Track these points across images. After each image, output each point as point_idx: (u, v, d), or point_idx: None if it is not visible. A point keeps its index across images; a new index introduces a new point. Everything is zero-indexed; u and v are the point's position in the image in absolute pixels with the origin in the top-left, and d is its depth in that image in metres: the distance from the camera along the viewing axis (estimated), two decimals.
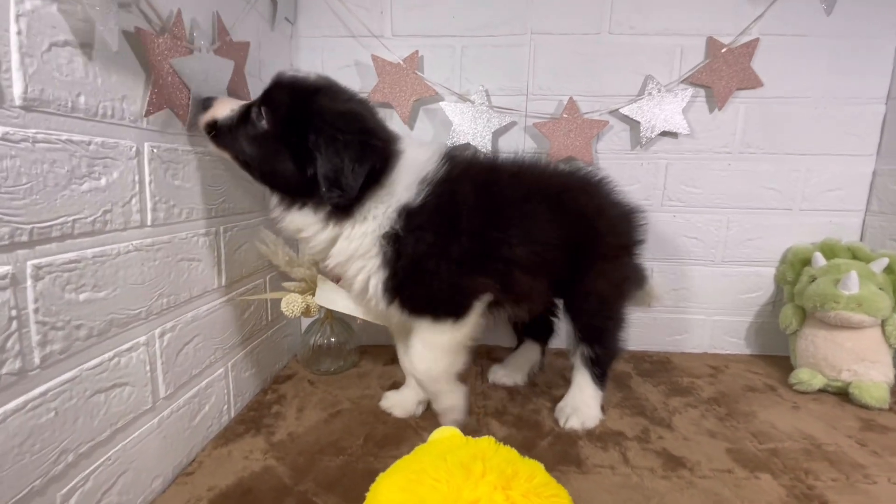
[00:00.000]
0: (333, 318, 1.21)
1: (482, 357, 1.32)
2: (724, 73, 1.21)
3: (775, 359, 1.35)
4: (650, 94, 1.24)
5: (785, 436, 0.95)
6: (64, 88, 0.56)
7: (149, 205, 0.72)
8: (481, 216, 0.83)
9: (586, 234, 0.93)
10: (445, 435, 0.69)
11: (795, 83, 1.24)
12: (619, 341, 1.01)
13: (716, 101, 1.24)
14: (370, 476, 0.69)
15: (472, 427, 0.97)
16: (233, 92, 0.95)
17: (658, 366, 1.30)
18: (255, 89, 0.99)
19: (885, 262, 1.15)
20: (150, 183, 0.72)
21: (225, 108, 0.80)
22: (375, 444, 0.91)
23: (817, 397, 1.13)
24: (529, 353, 1.20)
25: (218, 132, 0.80)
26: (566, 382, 1.17)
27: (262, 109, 0.78)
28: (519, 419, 1.01)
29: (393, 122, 1.30)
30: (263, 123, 0.77)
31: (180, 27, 0.75)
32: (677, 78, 1.25)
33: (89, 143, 0.60)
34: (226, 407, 0.96)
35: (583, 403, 0.99)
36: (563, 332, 1.30)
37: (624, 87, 1.26)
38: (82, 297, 0.60)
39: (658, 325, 1.39)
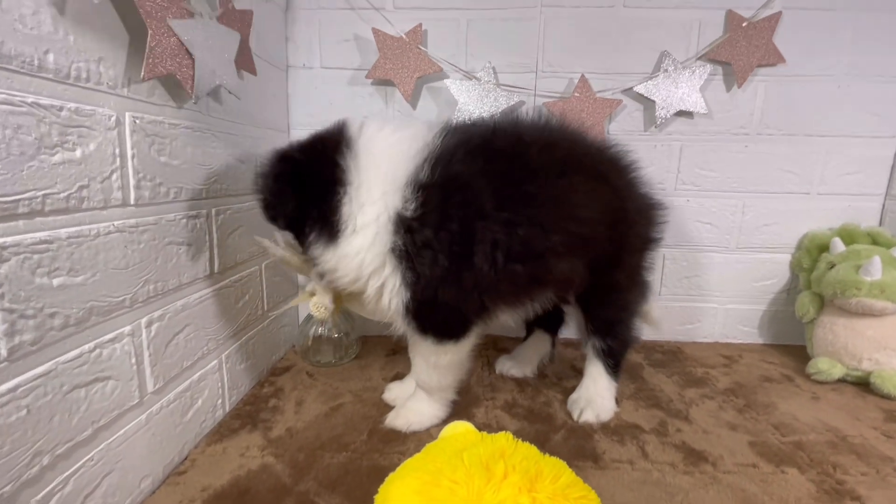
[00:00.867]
0: (338, 309, 1.15)
1: (488, 347, 1.27)
2: (744, 49, 1.15)
3: (789, 348, 1.31)
4: (666, 71, 1.18)
5: (808, 428, 0.91)
6: (29, 43, 0.49)
7: (132, 182, 0.65)
8: (504, 218, 0.73)
9: (617, 215, 0.85)
10: (458, 431, 0.64)
11: (818, 60, 1.18)
12: (632, 331, 0.96)
13: (735, 78, 1.18)
14: (376, 474, 0.64)
15: (481, 420, 0.92)
16: (239, 68, 0.88)
17: (670, 356, 1.26)
18: None
19: None
20: (133, 157, 0.65)
21: None
22: (380, 439, 0.86)
23: (836, 387, 1.09)
24: (539, 344, 1.15)
25: None
26: (576, 373, 1.13)
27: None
28: (530, 412, 0.96)
29: (395, 100, 1.23)
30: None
31: None
32: (694, 54, 1.18)
33: (61, 109, 0.53)
34: (220, 401, 0.91)
35: (597, 395, 0.94)
36: (572, 322, 1.25)
37: (638, 64, 1.20)
38: (56, 282, 0.54)
39: (669, 314, 1.34)
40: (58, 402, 0.54)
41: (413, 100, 1.22)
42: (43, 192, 0.52)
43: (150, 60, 0.64)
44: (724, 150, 1.24)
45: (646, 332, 1.32)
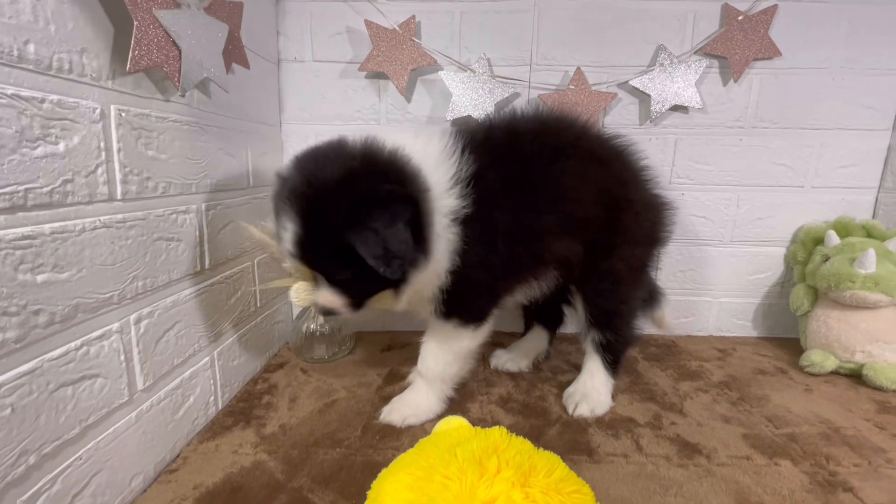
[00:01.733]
0: None
1: (483, 345, 1.26)
2: (740, 43, 1.15)
3: (783, 341, 1.31)
4: (662, 65, 1.17)
5: (801, 420, 0.92)
6: (7, 33, 0.48)
7: (118, 176, 0.64)
8: (512, 202, 0.78)
9: (619, 203, 0.86)
10: (452, 426, 0.63)
11: (812, 53, 1.18)
12: (633, 328, 0.96)
13: (731, 72, 1.17)
14: (370, 469, 0.63)
15: (476, 415, 0.92)
16: (229, 61, 0.87)
17: (664, 349, 1.26)
18: None
19: None
20: (119, 151, 0.64)
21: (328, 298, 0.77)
22: (374, 434, 0.85)
23: (829, 379, 1.09)
24: (537, 340, 1.15)
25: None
26: (572, 368, 1.13)
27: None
28: (525, 406, 0.96)
29: (388, 93, 1.22)
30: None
31: None
32: (690, 48, 1.18)
33: (42, 101, 0.52)
34: (212, 398, 0.90)
35: (593, 390, 0.94)
36: (572, 316, 1.25)
37: (634, 57, 1.19)
38: (40, 278, 0.52)
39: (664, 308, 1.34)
40: (44, 401, 0.53)
41: (407, 93, 1.21)
42: (25, 186, 0.50)
43: (136, 52, 0.62)
44: (718, 144, 1.24)
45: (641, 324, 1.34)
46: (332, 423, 0.89)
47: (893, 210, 1.22)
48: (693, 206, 1.28)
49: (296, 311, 1.27)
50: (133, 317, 0.68)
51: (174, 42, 0.68)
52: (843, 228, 1.19)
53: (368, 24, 1.14)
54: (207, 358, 0.88)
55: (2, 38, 0.47)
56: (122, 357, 0.66)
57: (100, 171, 0.61)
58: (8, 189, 0.48)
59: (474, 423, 0.66)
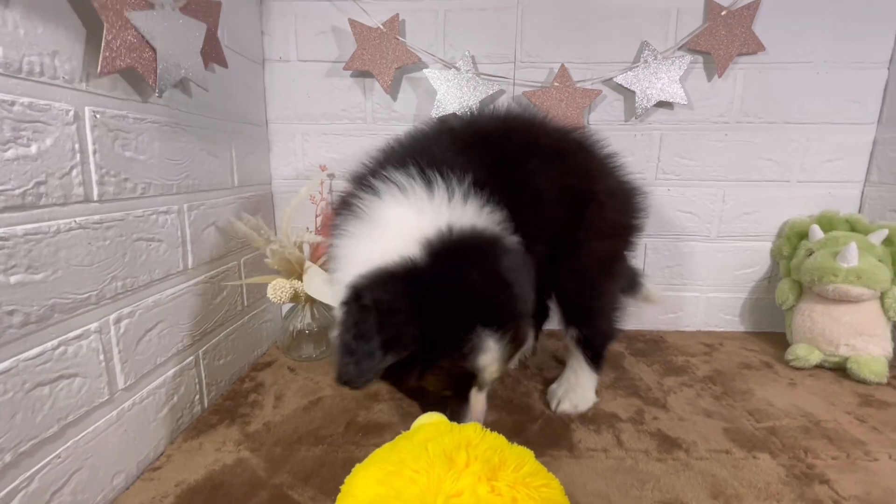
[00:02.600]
0: (314, 302, 1.15)
1: None
2: (724, 38, 1.15)
3: (770, 335, 1.32)
4: (646, 61, 1.17)
5: (783, 413, 0.92)
6: None
7: (94, 177, 0.64)
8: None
9: (583, 197, 0.83)
10: (430, 421, 0.64)
11: (797, 47, 1.18)
12: (611, 322, 0.94)
13: (715, 67, 1.17)
14: (350, 466, 0.63)
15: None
16: (208, 60, 0.87)
17: (652, 345, 1.26)
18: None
19: (884, 233, 1.11)
20: (95, 153, 0.64)
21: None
22: (357, 431, 0.86)
23: (814, 373, 1.10)
24: None
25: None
26: (558, 364, 1.13)
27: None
28: (509, 402, 0.97)
29: (374, 92, 1.22)
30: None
31: None
32: (674, 44, 1.18)
33: (12, 104, 0.53)
34: (198, 397, 0.91)
35: (577, 385, 0.94)
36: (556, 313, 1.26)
37: (618, 53, 1.19)
38: (13, 279, 0.53)
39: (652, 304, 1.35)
40: (20, 400, 0.54)
41: (393, 91, 1.21)
42: None
43: (107, 54, 0.63)
44: (704, 139, 1.24)
45: (628, 321, 1.34)
46: (316, 420, 0.90)
47: (879, 204, 1.23)
48: (679, 202, 1.28)
49: (284, 311, 1.28)
50: (113, 316, 0.68)
51: (148, 43, 0.69)
52: (828, 222, 1.20)
53: (352, 22, 1.14)
54: (192, 357, 0.89)
55: None
56: (102, 356, 0.66)
57: (74, 172, 0.61)
58: None
59: None
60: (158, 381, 0.79)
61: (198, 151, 0.90)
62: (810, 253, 1.15)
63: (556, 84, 1.18)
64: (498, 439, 0.59)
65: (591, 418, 0.91)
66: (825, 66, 1.19)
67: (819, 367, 1.12)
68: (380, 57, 1.16)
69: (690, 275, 1.32)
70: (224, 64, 0.94)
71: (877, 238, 1.11)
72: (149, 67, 0.69)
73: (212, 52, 0.88)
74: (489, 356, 0.64)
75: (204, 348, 0.93)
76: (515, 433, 0.85)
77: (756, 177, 1.26)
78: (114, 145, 0.68)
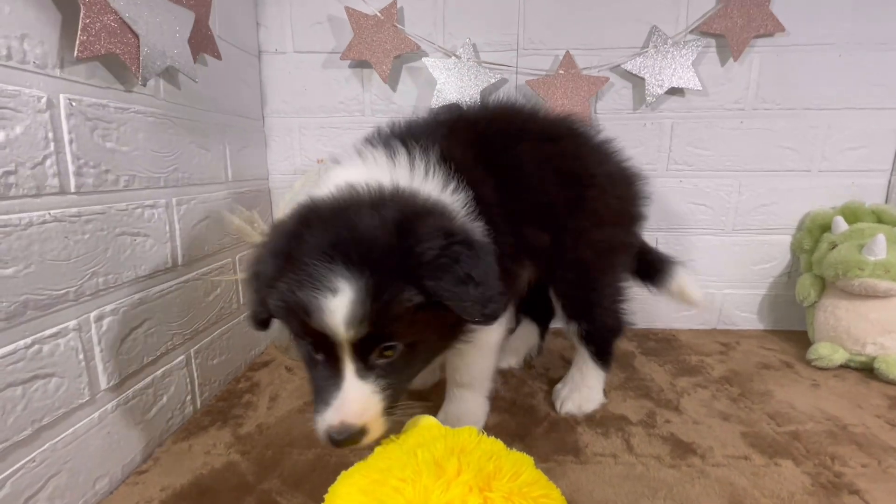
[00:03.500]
0: None
1: None
2: (739, 19, 1.09)
3: (791, 334, 1.25)
4: (655, 46, 1.12)
5: (806, 417, 0.86)
6: None
7: (70, 168, 0.61)
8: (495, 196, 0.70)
9: (581, 182, 0.79)
10: (421, 425, 0.59)
11: (817, 28, 1.11)
12: (615, 316, 0.88)
13: (730, 51, 1.11)
14: (342, 471, 0.60)
15: None
16: (198, 51, 0.84)
17: (664, 344, 1.21)
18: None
19: None
20: (71, 143, 0.61)
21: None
22: None
23: (838, 374, 1.03)
24: (527, 336, 1.10)
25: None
26: (566, 364, 1.08)
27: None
28: (512, 404, 0.92)
29: (372, 83, 1.19)
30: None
31: None
32: (685, 27, 1.12)
33: None
34: (189, 397, 0.88)
35: (582, 385, 0.90)
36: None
37: (626, 38, 1.14)
38: None
39: (663, 300, 1.28)
40: None
41: (391, 81, 1.17)
42: None
43: (84, 38, 0.60)
44: (718, 128, 1.18)
45: (639, 318, 1.28)
46: (310, 421, 0.86)
47: None
48: (692, 194, 1.22)
49: None
50: (94, 314, 0.66)
51: (130, 28, 0.66)
52: (852, 214, 1.13)
53: (349, 10, 1.10)
54: (183, 356, 0.86)
55: None
56: (81, 356, 0.63)
57: (48, 162, 0.58)
58: None
59: None
60: (146, 381, 0.76)
61: (187, 144, 0.87)
62: (833, 246, 1.08)
63: (560, 72, 1.13)
64: (495, 445, 0.55)
65: (598, 421, 0.86)
66: (847, 47, 1.12)
67: (844, 367, 1.05)
68: (377, 46, 1.13)
69: (704, 270, 1.26)
70: (217, 55, 0.91)
71: None
72: (131, 54, 0.66)
73: (202, 43, 0.85)
74: (336, 301, 0.51)
75: (196, 347, 0.90)
76: (518, 437, 0.81)
77: (774, 166, 1.19)
78: (93, 135, 0.65)
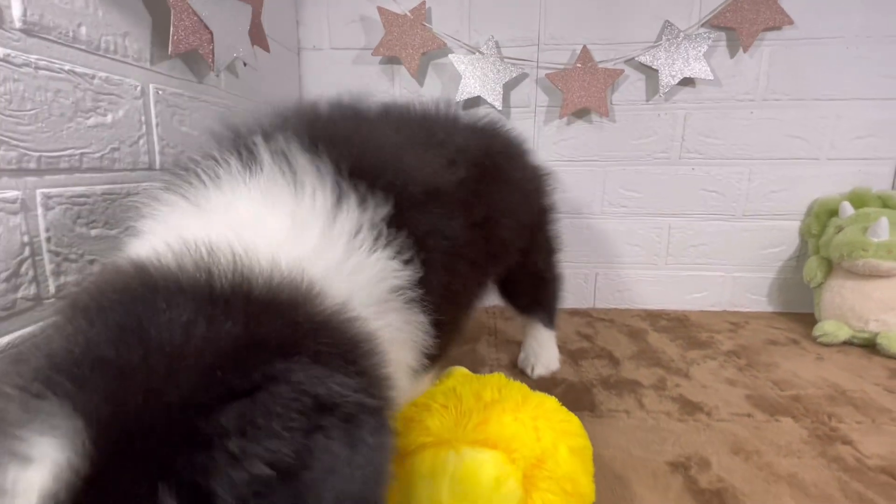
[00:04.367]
0: None
1: (495, 317, 1.31)
2: (749, 12, 1.15)
3: (799, 315, 1.30)
4: (668, 39, 1.18)
5: (808, 384, 0.93)
6: (64, 16, 0.56)
7: (157, 147, 0.72)
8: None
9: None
10: (455, 373, 0.68)
11: (826, 21, 1.16)
12: (556, 283, 0.95)
13: (740, 43, 1.17)
14: None
15: None
16: (254, 43, 0.94)
17: (675, 322, 1.27)
18: None
19: None
20: (157, 126, 0.72)
21: None
22: None
23: (842, 349, 1.09)
24: None
25: None
26: (581, 338, 1.16)
27: None
28: (522, 373, 1.00)
29: (401, 77, 1.28)
30: None
31: None
32: (697, 21, 1.18)
33: (93, 77, 0.60)
34: None
35: (540, 349, 0.97)
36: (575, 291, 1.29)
37: (640, 32, 1.20)
38: (94, 232, 0.60)
39: (675, 282, 1.35)
40: None
41: (419, 76, 1.26)
42: (80, 151, 0.58)
43: (176, 37, 0.70)
44: (729, 118, 1.24)
45: (652, 299, 1.36)
46: None
47: None
48: (704, 181, 1.28)
49: None
50: None
51: (206, 26, 0.76)
52: (859, 199, 1.18)
53: (381, 10, 1.20)
54: None
55: (60, 21, 0.55)
56: None
57: (141, 142, 0.68)
58: (67, 152, 0.56)
59: None
60: None
61: None
62: (840, 230, 1.14)
63: (578, 65, 1.21)
64: (523, 386, 0.63)
65: (612, 384, 0.93)
66: (856, 40, 1.17)
67: (848, 343, 1.11)
68: (407, 43, 1.22)
69: (716, 254, 1.32)
70: (266, 48, 1.01)
71: None
72: (207, 49, 0.76)
73: (257, 36, 0.94)
74: (26, 477, 0.26)
75: None
76: None
77: (784, 154, 1.25)
78: (172, 120, 0.75)
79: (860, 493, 0.63)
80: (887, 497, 0.62)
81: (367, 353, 0.35)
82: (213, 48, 0.77)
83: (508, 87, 1.24)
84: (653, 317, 1.31)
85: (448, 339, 0.51)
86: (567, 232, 1.33)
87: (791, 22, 1.15)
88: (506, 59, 1.22)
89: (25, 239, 0.51)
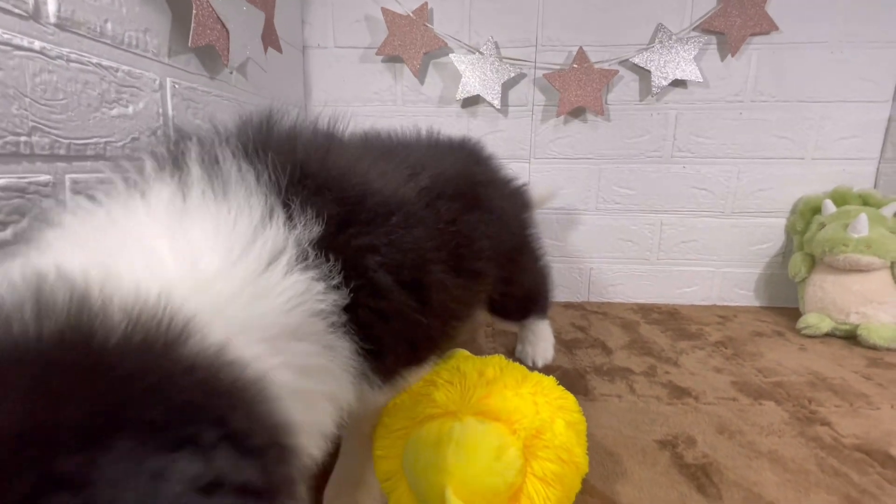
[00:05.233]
0: None
1: None
2: (737, 18, 1.20)
3: (785, 310, 1.36)
4: (661, 42, 1.23)
5: (790, 371, 0.97)
6: (93, 13, 0.59)
7: (172, 139, 0.75)
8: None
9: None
10: (458, 353, 0.72)
11: (811, 27, 1.22)
12: (546, 284, 0.96)
13: (729, 47, 1.22)
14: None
15: None
16: (266, 45, 0.97)
17: (666, 315, 1.32)
18: None
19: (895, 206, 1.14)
20: (173, 118, 0.75)
21: None
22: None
23: (825, 340, 1.14)
24: None
25: None
26: (576, 329, 1.20)
27: None
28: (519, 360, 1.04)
29: (403, 76, 1.31)
30: None
31: None
32: (689, 25, 1.23)
33: (117, 70, 0.63)
34: None
35: (538, 340, 1.00)
36: (563, 284, 1.33)
37: (634, 35, 1.25)
38: None
39: (666, 277, 1.40)
40: None
41: (420, 75, 1.30)
42: (105, 139, 0.61)
43: (197, 30, 0.73)
44: (719, 118, 1.29)
45: (644, 294, 1.41)
46: None
47: (893, 180, 1.25)
48: (694, 179, 1.33)
49: None
50: None
51: (223, 24, 0.79)
52: (841, 198, 1.23)
53: (385, 10, 1.23)
54: None
55: (89, 16, 0.58)
56: None
57: (159, 132, 0.72)
58: (93, 140, 0.60)
59: None
60: None
61: None
62: (822, 226, 1.19)
63: (574, 66, 1.25)
64: (522, 367, 0.67)
65: (605, 371, 0.98)
66: (839, 45, 1.23)
67: (830, 335, 1.16)
68: (409, 43, 1.25)
69: (705, 250, 1.37)
70: (279, 49, 1.04)
71: (889, 210, 1.14)
72: (223, 45, 0.80)
73: (269, 38, 0.98)
74: None
75: None
76: None
77: (770, 154, 1.30)
78: (187, 112, 0.78)
79: (835, 467, 0.67)
80: (860, 472, 0.67)
81: (249, 402, 0.25)
82: (228, 45, 0.80)
83: (507, 87, 1.28)
84: (645, 310, 1.36)
85: (400, 362, 0.47)
86: (562, 228, 1.39)
87: (776, 28, 1.20)
88: (505, 60, 1.26)
89: None
